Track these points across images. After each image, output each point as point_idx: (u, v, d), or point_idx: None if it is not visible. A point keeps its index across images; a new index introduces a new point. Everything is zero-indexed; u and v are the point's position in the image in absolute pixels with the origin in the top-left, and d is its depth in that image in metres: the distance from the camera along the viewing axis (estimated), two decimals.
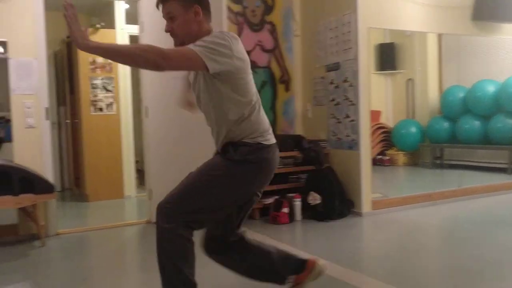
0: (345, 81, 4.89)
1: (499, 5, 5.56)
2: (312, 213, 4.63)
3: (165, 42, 4.72)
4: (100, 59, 6.07)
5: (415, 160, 7.26)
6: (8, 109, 4.20)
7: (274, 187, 4.74)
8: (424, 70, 7.07)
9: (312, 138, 5.25)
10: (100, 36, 6.10)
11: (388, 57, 7.14)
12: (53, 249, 3.97)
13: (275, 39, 5.38)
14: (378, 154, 7.11)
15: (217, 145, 2.28)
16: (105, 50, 1.93)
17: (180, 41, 2.16)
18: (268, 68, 5.33)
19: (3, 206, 3.86)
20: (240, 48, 2.09)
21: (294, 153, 4.96)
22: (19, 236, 4.20)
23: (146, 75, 4.64)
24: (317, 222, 4.52)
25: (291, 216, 4.54)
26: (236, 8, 5.14)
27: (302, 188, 4.80)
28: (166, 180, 4.64)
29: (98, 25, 6.16)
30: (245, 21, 5.21)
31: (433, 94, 7.12)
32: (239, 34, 5.16)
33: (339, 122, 5.00)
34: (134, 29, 5.55)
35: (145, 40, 4.65)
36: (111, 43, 2.09)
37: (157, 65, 1.91)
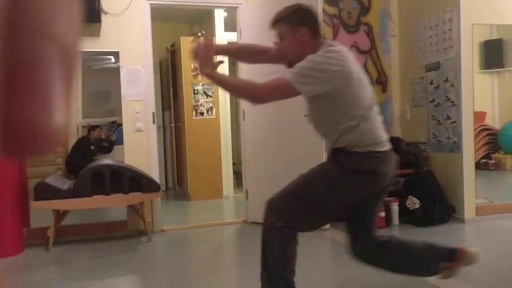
0: (446, 81, 4.69)
1: None
2: (410, 218, 4.50)
3: None
4: None
5: None
6: (119, 114, 4.56)
7: None
8: None
9: (411, 140, 5.09)
10: None
11: (494, 54, 6.70)
12: (158, 245, 4.24)
13: (371, 40, 5.30)
14: (483, 158, 6.69)
15: (327, 150, 2.37)
16: (218, 81, 2.33)
17: (288, 60, 2.30)
18: (364, 69, 5.26)
19: (115, 203, 4.20)
20: (339, 66, 2.11)
21: None
22: (128, 232, 4.54)
23: None
24: (415, 227, 4.38)
25: (387, 220, 4.44)
26: (332, 10, 5.14)
27: (400, 192, 4.67)
28: (262, 181, 4.78)
29: (199, 34, 6.47)
30: (341, 23, 5.19)
31: None
32: (335, 36, 5.15)
33: (440, 124, 4.81)
34: (232, 36, 5.76)
35: None
36: (225, 76, 2.48)
37: (253, 102, 2.25)
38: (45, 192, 3.97)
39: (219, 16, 6.44)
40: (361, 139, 2.19)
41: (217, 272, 3.49)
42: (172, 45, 6.94)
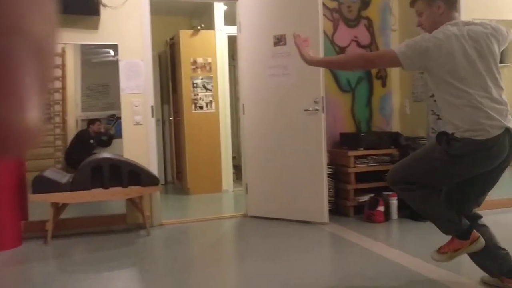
0: None
1: None
2: (409, 212, 4.50)
3: (260, 41, 4.85)
4: (200, 60, 6.36)
5: None
6: (118, 108, 4.55)
7: (369, 185, 4.68)
8: None
9: (410, 135, 5.09)
10: (201, 37, 6.39)
11: None
12: (157, 239, 4.24)
13: (372, 35, 5.28)
14: None
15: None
16: (325, 62, 2.80)
17: (429, 32, 2.44)
18: None
19: (114, 197, 4.20)
20: (439, 46, 2.28)
21: (391, 150, 4.85)
22: (127, 225, 4.54)
23: (243, 74, 4.79)
24: (414, 221, 4.39)
25: (386, 214, 4.45)
26: (332, 4, 5.12)
27: None
28: (262, 175, 4.78)
29: (199, 27, 6.45)
30: (341, 17, 5.17)
31: None
32: (334, 31, 5.14)
33: (439, 119, 4.80)
34: (232, 30, 5.74)
35: (242, 40, 4.80)
36: (328, 57, 2.74)
37: (363, 68, 2.83)
38: (44, 185, 3.97)
39: (219, 9, 6.42)
40: (464, 125, 2.30)
41: (216, 265, 3.50)
42: (172, 39, 6.92)
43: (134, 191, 4.17)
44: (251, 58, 4.75)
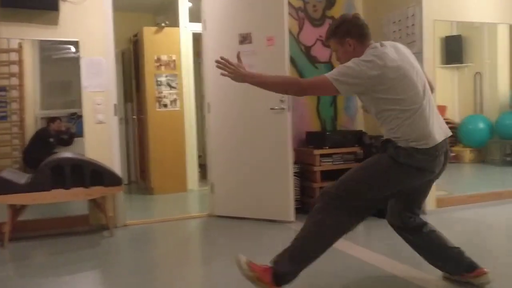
0: None
1: None
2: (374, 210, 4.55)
3: (225, 39, 4.81)
4: (164, 57, 6.26)
5: (482, 157, 6.95)
6: (80, 106, 4.43)
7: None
8: (493, 63, 6.74)
9: (374, 133, 5.16)
10: (165, 34, 6.29)
11: (454, 50, 6.87)
12: (121, 240, 4.16)
13: None
14: None
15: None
16: (259, 80, 2.53)
17: None
18: (329, 63, 5.30)
19: (75, 198, 4.09)
20: (374, 71, 2.32)
21: (355, 149, 4.91)
22: (90, 226, 4.43)
23: (208, 72, 4.74)
24: (378, 219, 4.44)
25: None
26: (298, 3, 5.13)
27: None
28: (227, 174, 4.75)
29: (163, 24, 6.35)
30: (306, 17, 5.20)
31: (503, 88, 6.78)
32: (300, 30, 5.16)
33: None
34: (197, 27, 5.68)
35: (207, 38, 4.75)
36: (262, 75, 2.56)
37: (297, 95, 2.65)
38: (1, 186, 3.82)
39: (184, 6, 6.35)
40: (408, 135, 2.38)
41: (182, 266, 3.45)
42: (135, 35, 6.80)
43: (96, 191, 4.07)
44: (216, 56, 4.67)
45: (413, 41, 4.68)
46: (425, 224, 2.75)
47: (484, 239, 3.83)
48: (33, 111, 4.69)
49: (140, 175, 7.23)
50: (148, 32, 6.28)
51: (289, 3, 4.83)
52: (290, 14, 4.93)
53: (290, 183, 4.45)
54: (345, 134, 5.00)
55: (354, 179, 2.54)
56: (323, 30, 5.24)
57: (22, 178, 4.02)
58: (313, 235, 2.48)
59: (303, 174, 4.84)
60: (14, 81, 4.56)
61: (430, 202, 4.61)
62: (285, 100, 4.37)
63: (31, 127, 4.67)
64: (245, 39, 4.51)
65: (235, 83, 2.66)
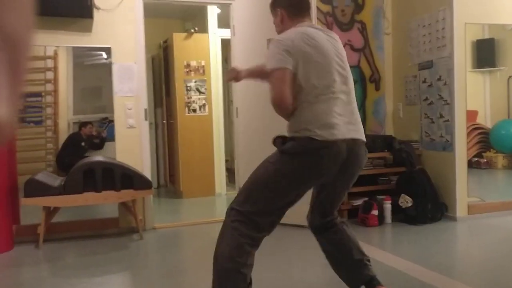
0: (439, 79, 4.71)
1: None
2: (403, 216, 4.50)
3: (253, 44, 4.82)
4: (193, 63, 6.34)
5: None
6: (111, 111, 4.53)
7: (363, 189, 4.68)
8: None
9: (403, 138, 5.10)
10: (194, 40, 6.38)
11: (486, 53, 6.73)
12: (150, 242, 4.22)
13: (365, 38, 5.30)
14: (474, 156, 6.73)
15: None
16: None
17: None
18: (357, 67, 5.27)
19: (106, 201, 4.17)
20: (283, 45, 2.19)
21: (385, 154, 4.86)
22: (120, 229, 4.51)
23: None
24: (408, 225, 4.40)
25: (380, 218, 4.45)
26: (326, 8, 5.13)
27: (393, 190, 4.68)
28: None
29: (192, 30, 6.44)
30: (334, 21, 5.19)
31: None
32: None
33: (433, 122, 4.82)
34: (226, 33, 5.73)
35: (236, 43, 4.79)
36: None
37: (283, 110, 2.28)
38: (36, 188, 3.93)
39: (212, 12, 6.42)
40: (307, 121, 2.19)
41: (209, 269, 3.47)
42: (165, 41, 6.90)
43: (126, 194, 4.14)
44: (244, 61, 4.73)
45: (444, 45, 4.61)
46: (333, 227, 2.53)
47: None
48: (66, 116, 4.81)
49: (169, 178, 7.31)
50: (178, 38, 6.37)
51: (318, 8, 4.83)
52: (318, 18, 4.93)
53: None
54: (374, 138, 4.95)
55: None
56: (351, 35, 5.22)
57: (55, 181, 4.13)
58: None
59: None
60: (49, 87, 4.69)
61: (461, 208, 4.52)
62: None
63: (64, 132, 4.78)
64: None
65: (263, 88, 2.62)
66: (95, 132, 4.93)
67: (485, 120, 6.95)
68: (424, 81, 4.91)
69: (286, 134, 2.30)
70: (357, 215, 4.54)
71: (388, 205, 4.49)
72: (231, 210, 2.26)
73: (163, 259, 3.74)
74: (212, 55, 6.44)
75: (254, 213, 2.20)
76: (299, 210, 4.59)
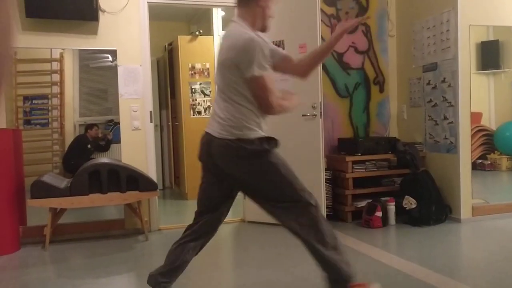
0: (443, 81, 4.72)
1: None
2: (407, 218, 4.51)
3: None
4: (198, 65, 6.37)
5: None
6: (116, 113, 4.56)
7: (367, 190, 4.69)
8: None
9: (408, 140, 5.11)
10: (199, 43, 6.41)
11: (491, 55, 6.73)
12: (155, 244, 4.24)
13: (369, 40, 5.31)
14: (478, 158, 6.72)
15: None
16: None
17: None
18: (361, 69, 5.28)
19: (112, 202, 4.20)
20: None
21: (389, 155, 4.87)
22: (125, 230, 4.54)
23: None
24: (412, 227, 4.40)
25: (384, 220, 4.46)
26: (330, 10, 5.15)
27: (397, 192, 4.70)
28: None
29: (197, 32, 6.47)
30: (339, 23, 5.19)
31: None
32: None
33: (437, 124, 4.83)
34: None
35: None
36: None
37: (274, 112, 2.46)
38: (42, 190, 3.97)
39: (217, 15, 6.45)
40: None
41: (214, 271, 3.49)
42: (170, 44, 6.94)
43: (132, 196, 4.17)
44: None
45: (448, 47, 4.62)
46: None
47: None
48: (72, 118, 4.84)
49: (175, 180, 7.34)
50: (183, 41, 6.40)
51: (322, 10, 4.85)
52: (322, 21, 4.95)
53: (322, 189, 4.46)
54: (378, 140, 4.97)
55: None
56: (355, 37, 5.24)
57: (62, 182, 4.16)
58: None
59: (335, 181, 4.83)
60: (55, 89, 4.73)
61: (465, 210, 4.53)
62: (317, 106, 4.39)
63: (70, 134, 4.82)
64: (277, 46, 4.54)
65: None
66: (101, 134, 4.95)
67: (490, 122, 6.94)
68: (428, 83, 4.92)
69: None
70: (361, 217, 4.55)
71: (392, 207, 4.50)
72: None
73: None
74: (216, 57, 6.46)
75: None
76: None
